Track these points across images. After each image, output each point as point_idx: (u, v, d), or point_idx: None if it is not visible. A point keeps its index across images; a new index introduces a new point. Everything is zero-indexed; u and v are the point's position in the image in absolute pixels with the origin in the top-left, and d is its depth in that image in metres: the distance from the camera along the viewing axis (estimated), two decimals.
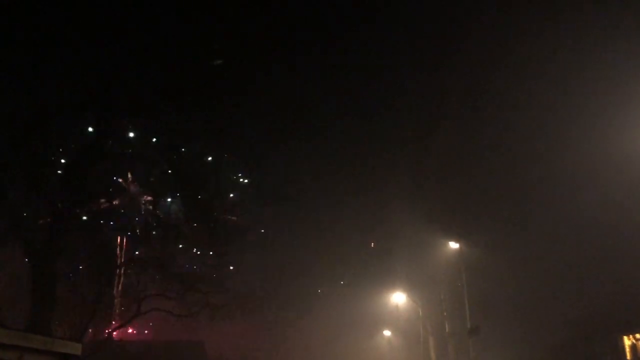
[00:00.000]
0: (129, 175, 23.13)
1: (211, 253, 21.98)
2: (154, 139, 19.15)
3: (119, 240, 28.33)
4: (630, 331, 38.31)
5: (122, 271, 31.99)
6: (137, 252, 30.49)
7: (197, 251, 24.14)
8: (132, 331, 53.65)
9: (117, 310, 33.94)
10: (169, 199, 23.05)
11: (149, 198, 23.12)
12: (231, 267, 32.08)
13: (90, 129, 21.34)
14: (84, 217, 24.62)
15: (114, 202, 25.58)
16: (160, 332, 57.33)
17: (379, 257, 46.05)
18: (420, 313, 39.96)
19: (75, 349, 14.79)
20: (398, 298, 44.03)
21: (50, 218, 18.17)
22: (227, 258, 23.61)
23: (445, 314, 37.29)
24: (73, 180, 18.52)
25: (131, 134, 24.74)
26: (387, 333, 55.94)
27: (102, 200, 24.81)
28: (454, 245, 31.22)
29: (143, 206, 24.27)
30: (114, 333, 34.40)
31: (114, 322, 34.29)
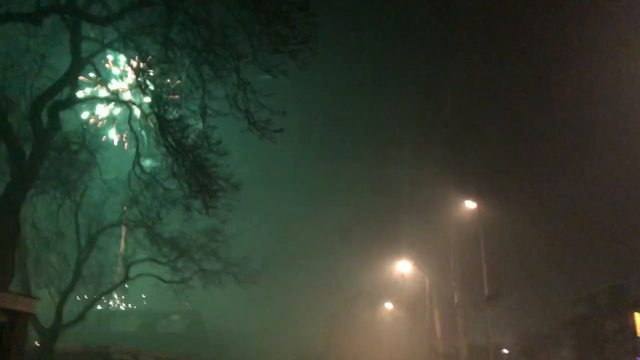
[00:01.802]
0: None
1: (202, 212, 19.67)
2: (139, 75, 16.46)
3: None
4: None
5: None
6: (123, 213, 28.39)
7: (187, 213, 21.92)
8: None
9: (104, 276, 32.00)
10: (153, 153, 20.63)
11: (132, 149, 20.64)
12: (223, 231, 30.29)
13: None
14: (55, 168, 22.26)
15: (93, 152, 23.21)
16: (155, 302, 55.95)
17: (383, 220, 43.74)
18: (427, 282, 37.83)
19: (28, 305, 12.48)
20: (403, 267, 41.92)
21: (12, 165, 15.77)
22: (218, 216, 21.26)
23: (455, 283, 35.08)
24: (37, 122, 16.03)
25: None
26: (389, 306, 53.98)
27: (76, 148, 22.43)
28: (470, 205, 28.57)
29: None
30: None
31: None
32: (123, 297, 51.51)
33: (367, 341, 54.35)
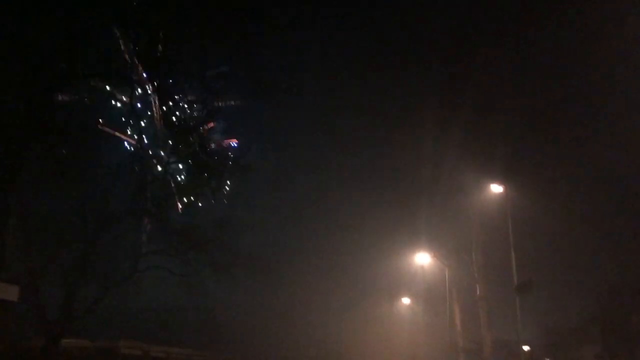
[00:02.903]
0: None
1: (210, 196, 18.58)
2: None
3: None
4: None
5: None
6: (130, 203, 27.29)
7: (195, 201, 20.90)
8: None
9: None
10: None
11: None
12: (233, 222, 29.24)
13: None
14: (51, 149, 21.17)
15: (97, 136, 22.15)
16: (168, 297, 55.15)
17: (400, 211, 42.27)
18: (447, 274, 36.36)
19: (7, 292, 11.45)
20: (422, 259, 40.49)
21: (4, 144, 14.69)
22: (227, 201, 20.16)
23: (476, 274, 33.57)
24: (27, 100, 14.91)
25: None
26: (406, 301, 52.64)
27: (78, 131, 21.32)
28: (496, 188, 26.78)
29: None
30: None
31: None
32: (135, 291, 50.63)
33: (384, 336, 53.16)
